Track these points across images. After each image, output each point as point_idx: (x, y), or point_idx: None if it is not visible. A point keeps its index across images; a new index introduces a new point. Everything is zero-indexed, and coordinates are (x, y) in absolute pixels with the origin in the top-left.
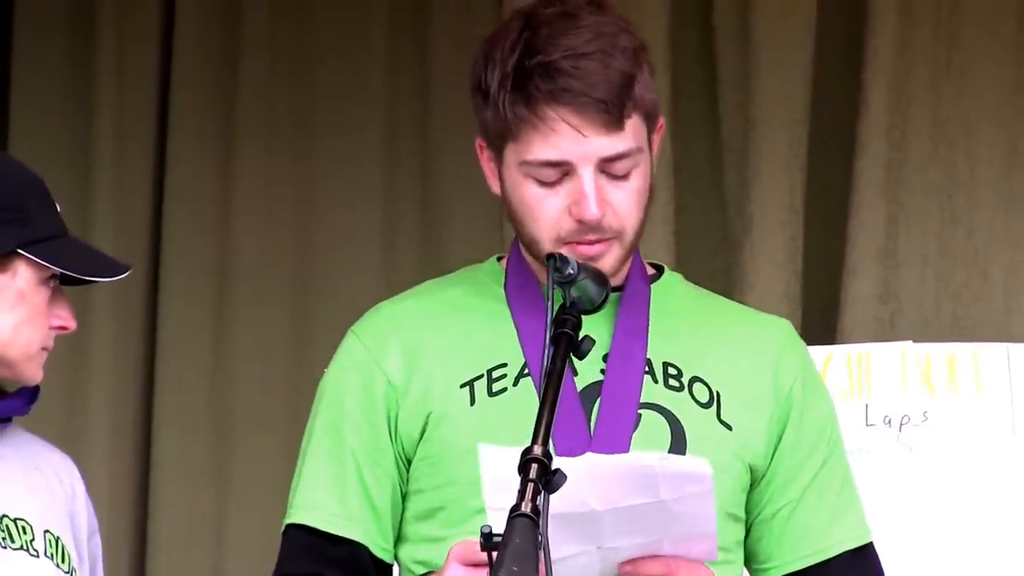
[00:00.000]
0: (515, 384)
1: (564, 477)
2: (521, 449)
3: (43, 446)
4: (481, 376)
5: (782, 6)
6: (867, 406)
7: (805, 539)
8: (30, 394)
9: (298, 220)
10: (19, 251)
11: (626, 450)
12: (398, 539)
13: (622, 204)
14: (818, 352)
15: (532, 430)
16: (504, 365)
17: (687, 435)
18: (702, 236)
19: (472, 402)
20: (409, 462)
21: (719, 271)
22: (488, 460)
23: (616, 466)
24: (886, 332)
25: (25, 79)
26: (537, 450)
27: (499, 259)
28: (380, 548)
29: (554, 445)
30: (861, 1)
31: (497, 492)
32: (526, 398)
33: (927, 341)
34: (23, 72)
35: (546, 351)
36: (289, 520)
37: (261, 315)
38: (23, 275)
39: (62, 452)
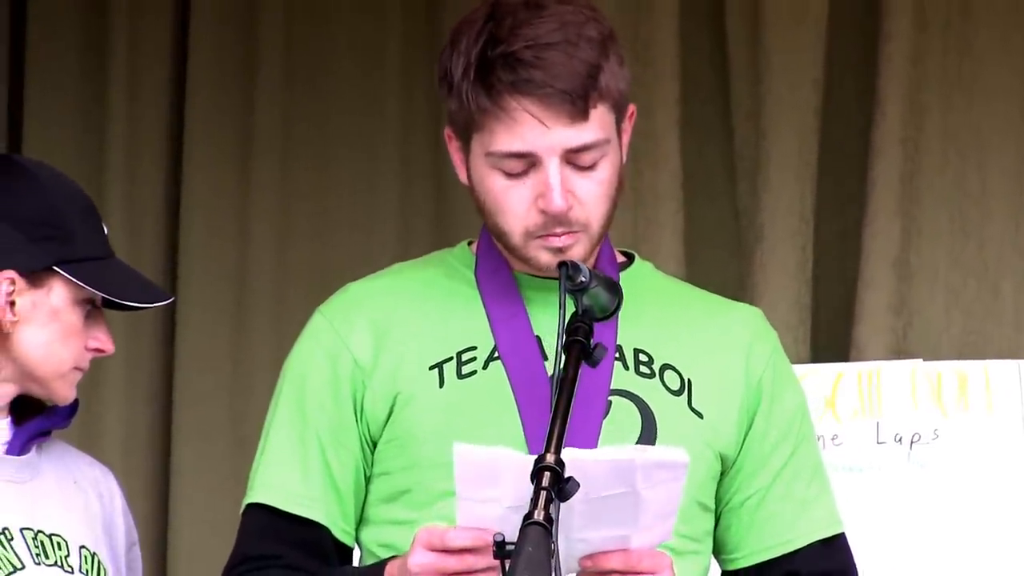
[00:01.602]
0: (485, 368)
1: (577, 485)
2: (495, 448)
3: (83, 460)
4: (451, 358)
5: (793, 13)
6: (878, 424)
7: (773, 529)
8: (70, 408)
9: (315, 231)
10: (56, 268)
11: (596, 436)
12: (361, 522)
13: (589, 195)
14: (829, 370)
15: (501, 413)
16: (474, 348)
17: (657, 422)
18: (712, 245)
19: (441, 384)
20: (375, 444)
21: (729, 280)
22: (462, 459)
23: (596, 463)
24: (899, 344)
25: (38, 92)
26: (550, 458)
27: (469, 243)
28: (341, 531)
29: (524, 431)
30: (872, 8)
31: (469, 486)
32: (495, 382)
33: (939, 354)
34: (36, 85)
35: (558, 358)
36: (249, 500)
37: (278, 326)
38: (58, 293)
39: (102, 465)
